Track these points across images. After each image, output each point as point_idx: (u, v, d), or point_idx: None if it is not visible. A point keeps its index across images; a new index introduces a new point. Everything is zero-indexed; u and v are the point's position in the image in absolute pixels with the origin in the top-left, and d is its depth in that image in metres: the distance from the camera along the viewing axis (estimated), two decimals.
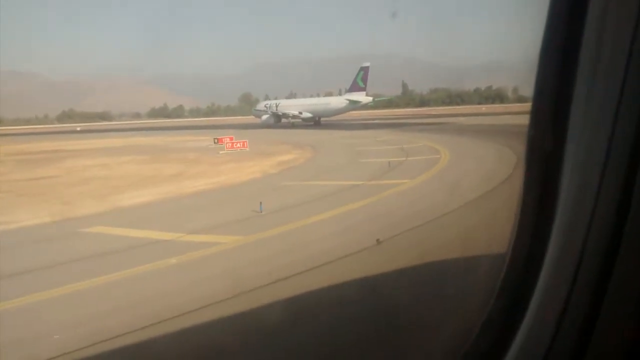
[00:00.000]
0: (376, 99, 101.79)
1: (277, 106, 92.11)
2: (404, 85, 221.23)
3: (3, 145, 61.05)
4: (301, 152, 38.61)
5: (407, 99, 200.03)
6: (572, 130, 1.80)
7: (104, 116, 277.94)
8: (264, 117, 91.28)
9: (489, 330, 2.16)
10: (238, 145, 43.71)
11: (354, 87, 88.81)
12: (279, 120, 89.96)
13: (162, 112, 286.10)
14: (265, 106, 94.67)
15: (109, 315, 8.45)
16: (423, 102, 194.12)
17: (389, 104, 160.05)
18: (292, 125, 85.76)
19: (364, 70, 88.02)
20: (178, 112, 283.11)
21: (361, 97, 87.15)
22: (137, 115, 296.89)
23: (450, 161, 27.42)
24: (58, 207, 19.18)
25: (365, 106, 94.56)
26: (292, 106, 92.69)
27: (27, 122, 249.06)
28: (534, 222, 1.96)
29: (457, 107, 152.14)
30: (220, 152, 41.34)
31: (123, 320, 8.00)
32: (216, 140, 48.61)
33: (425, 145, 37.62)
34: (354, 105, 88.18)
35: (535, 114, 1.97)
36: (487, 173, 21.03)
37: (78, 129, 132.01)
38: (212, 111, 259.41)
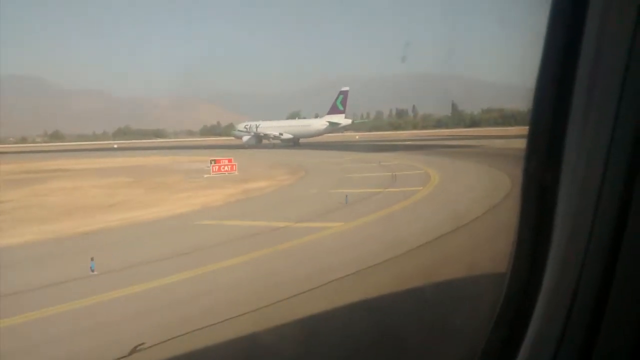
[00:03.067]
0: (355, 121, 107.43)
1: (257, 127, 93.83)
2: (453, 105, 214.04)
3: (4, 164, 61.04)
4: (287, 177, 35.81)
5: (457, 118, 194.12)
6: (568, 157, 1.81)
7: (158, 133, 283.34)
8: (245, 138, 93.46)
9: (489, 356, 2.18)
10: (225, 168, 40.77)
11: (334, 110, 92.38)
12: (260, 141, 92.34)
13: (213, 130, 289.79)
14: (245, 127, 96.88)
15: None
16: (474, 122, 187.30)
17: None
18: (273, 146, 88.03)
19: (343, 94, 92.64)
20: (228, 130, 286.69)
21: (340, 119, 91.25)
22: (190, 133, 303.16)
23: (427, 197, 23.09)
24: None
25: (344, 128, 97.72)
26: (273, 127, 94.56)
27: (85, 138, 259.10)
28: (531, 247, 1.97)
29: (509, 128, 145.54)
30: (205, 176, 38.92)
31: None
32: (213, 162, 46.39)
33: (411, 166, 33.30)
34: (334, 127, 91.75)
35: (532, 138, 1.99)
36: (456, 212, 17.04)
37: (115, 146, 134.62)
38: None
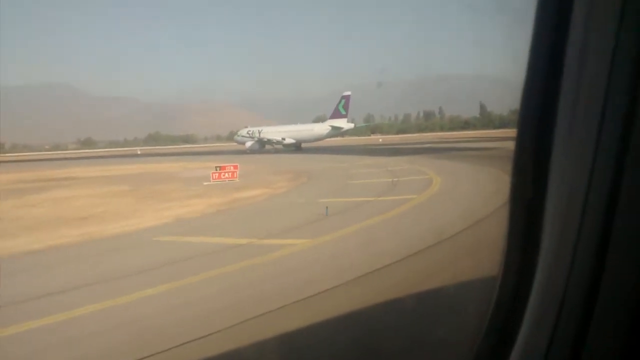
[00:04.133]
0: (358, 125, 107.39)
1: (259, 132, 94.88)
2: (482, 106, 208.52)
3: (16, 173, 61.06)
4: (285, 184, 34.28)
5: (485, 120, 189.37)
6: (554, 165, 1.83)
7: (187, 139, 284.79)
8: (248, 143, 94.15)
9: None
10: (226, 175, 39.19)
11: (336, 114, 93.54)
12: (263, 146, 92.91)
13: None
14: (248, 133, 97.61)
15: None
16: (503, 123, 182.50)
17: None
18: (276, 151, 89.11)
19: (345, 98, 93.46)
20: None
21: (343, 124, 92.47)
22: (219, 138, 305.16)
23: (415, 207, 20.86)
24: None
25: (347, 132, 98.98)
26: (275, 132, 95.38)
27: (116, 144, 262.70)
28: (520, 255, 1.98)
29: None
30: (204, 184, 37.51)
31: None
32: (217, 168, 44.98)
33: (419, 171, 30.98)
34: (336, 131, 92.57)
35: (519, 146, 1.99)
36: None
37: (138, 152, 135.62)
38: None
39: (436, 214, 18.91)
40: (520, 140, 1.97)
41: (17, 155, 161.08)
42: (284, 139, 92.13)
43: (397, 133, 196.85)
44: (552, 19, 1.83)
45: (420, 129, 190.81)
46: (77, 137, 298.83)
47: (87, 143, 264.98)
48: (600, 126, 1.64)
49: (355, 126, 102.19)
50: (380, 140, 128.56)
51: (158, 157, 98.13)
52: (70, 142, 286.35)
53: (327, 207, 20.25)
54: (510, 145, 2.07)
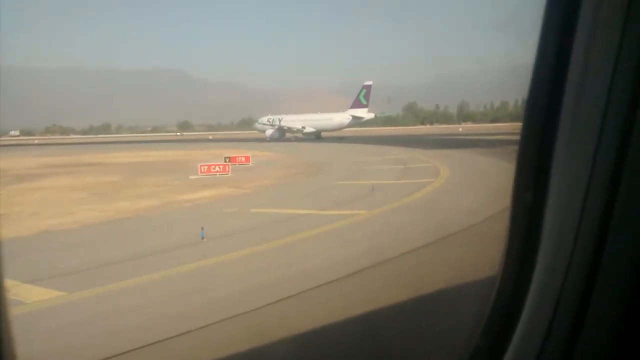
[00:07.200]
0: (378, 115, 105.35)
1: (280, 121, 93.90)
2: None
3: (45, 157, 61.33)
4: (269, 182, 30.88)
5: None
6: (556, 165, 1.87)
7: None
8: (269, 131, 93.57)
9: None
10: (216, 169, 35.21)
11: (357, 104, 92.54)
12: (283, 135, 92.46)
13: None
14: (268, 121, 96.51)
15: None
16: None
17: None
18: (296, 139, 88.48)
19: (367, 88, 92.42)
20: None
21: (363, 113, 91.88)
22: None
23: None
24: None
25: (367, 122, 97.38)
26: (296, 121, 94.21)
27: (213, 128, 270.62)
28: (520, 252, 2.03)
29: None
30: (190, 177, 34.43)
31: None
32: (227, 159, 41.27)
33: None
34: (357, 121, 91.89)
35: (522, 149, 2.04)
36: None
37: (210, 137, 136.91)
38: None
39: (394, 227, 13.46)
40: (523, 142, 2.03)
41: (105, 137, 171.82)
42: (304, 127, 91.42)
43: (492, 121, 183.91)
44: (559, 20, 1.87)
45: (512, 119, 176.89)
46: (177, 121, 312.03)
47: (185, 126, 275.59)
48: (601, 129, 1.67)
49: (375, 116, 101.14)
50: (461, 129, 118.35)
51: (222, 142, 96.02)
52: (170, 125, 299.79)
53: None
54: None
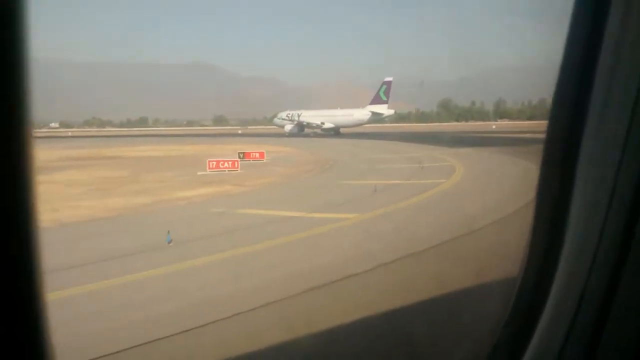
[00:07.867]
0: (398, 112, 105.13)
1: (299, 116, 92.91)
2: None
3: (74, 150, 61.63)
4: (271, 180, 30.14)
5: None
6: (581, 164, 1.83)
7: None
8: (288, 127, 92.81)
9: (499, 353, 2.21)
10: (225, 165, 34.23)
11: (377, 100, 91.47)
12: (302, 130, 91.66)
13: None
14: (287, 116, 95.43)
15: None
16: None
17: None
18: (315, 135, 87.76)
19: (387, 84, 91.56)
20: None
21: (383, 110, 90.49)
22: None
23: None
24: None
25: (387, 118, 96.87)
26: (315, 116, 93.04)
27: (246, 122, 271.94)
28: (543, 249, 1.99)
29: None
30: (198, 173, 33.59)
31: None
32: (241, 155, 40.44)
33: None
34: (376, 117, 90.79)
35: (549, 141, 2.00)
36: None
37: (239, 132, 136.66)
38: (401, 117, 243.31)
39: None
40: (549, 141, 1.99)
41: (139, 130, 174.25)
42: (323, 123, 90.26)
43: (529, 119, 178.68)
44: (589, 17, 1.83)
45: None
46: (213, 115, 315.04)
47: (219, 120, 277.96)
48: (628, 128, 1.64)
49: (395, 112, 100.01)
50: (494, 127, 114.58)
51: (249, 137, 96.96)
52: (206, 119, 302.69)
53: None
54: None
